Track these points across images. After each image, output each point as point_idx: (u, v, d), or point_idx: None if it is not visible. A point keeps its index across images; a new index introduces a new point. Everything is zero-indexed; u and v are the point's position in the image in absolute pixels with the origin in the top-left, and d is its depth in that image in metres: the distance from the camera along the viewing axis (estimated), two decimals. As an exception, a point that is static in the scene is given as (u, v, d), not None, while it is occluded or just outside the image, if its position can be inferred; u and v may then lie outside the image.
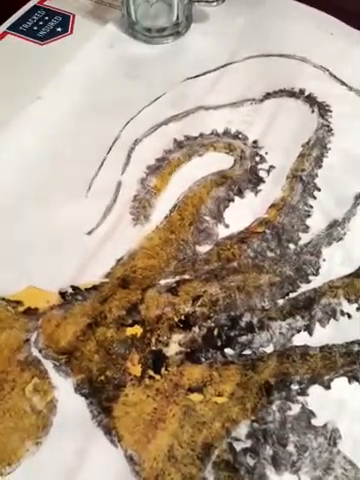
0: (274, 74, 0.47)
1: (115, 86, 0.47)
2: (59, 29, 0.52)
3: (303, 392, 0.31)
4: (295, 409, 0.30)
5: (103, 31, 0.51)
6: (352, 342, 0.32)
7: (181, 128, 0.44)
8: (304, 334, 0.33)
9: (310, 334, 0.33)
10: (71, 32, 0.52)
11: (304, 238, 0.37)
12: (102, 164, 0.41)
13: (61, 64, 0.47)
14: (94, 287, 0.35)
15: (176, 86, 0.47)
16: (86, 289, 0.35)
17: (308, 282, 0.35)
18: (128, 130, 0.43)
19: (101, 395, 0.31)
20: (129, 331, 0.33)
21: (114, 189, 0.40)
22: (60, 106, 0.44)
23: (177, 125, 0.44)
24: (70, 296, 0.34)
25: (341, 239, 0.37)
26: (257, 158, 0.42)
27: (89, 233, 0.38)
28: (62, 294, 0.34)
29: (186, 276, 0.36)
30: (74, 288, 0.35)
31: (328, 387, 0.31)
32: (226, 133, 0.43)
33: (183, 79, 0.47)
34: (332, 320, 0.33)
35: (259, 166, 0.42)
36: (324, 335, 0.33)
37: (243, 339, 0.33)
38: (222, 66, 0.48)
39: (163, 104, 0.45)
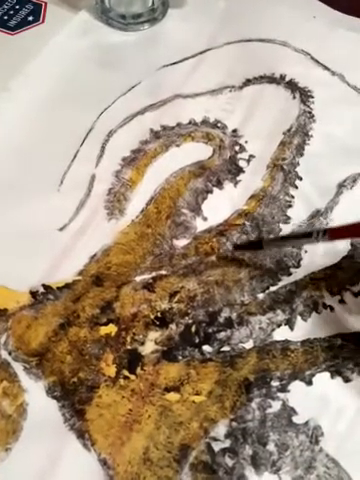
0: (254, 60, 0.47)
1: (88, 76, 0.46)
2: (30, 18, 0.51)
3: (284, 388, 0.31)
4: (275, 406, 0.30)
5: (76, 19, 0.50)
6: (335, 336, 0.32)
7: (157, 118, 0.43)
8: (285, 328, 0.33)
9: (291, 328, 0.33)
10: (43, 21, 0.51)
11: (285, 229, 0.37)
12: (75, 157, 0.41)
13: (32, 54, 0.47)
14: (66, 285, 0.35)
15: (152, 74, 0.46)
16: (58, 288, 0.34)
17: (289, 275, 0.35)
18: (102, 121, 0.43)
19: (74, 397, 0.30)
20: (103, 330, 0.33)
21: (87, 183, 0.40)
22: (30, 97, 0.44)
23: (153, 115, 0.44)
24: (41, 295, 0.34)
25: (324, 230, 0.37)
26: (237, 147, 0.42)
27: (61, 229, 0.37)
28: (33, 293, 0.34)
29: (163, 272, 0.36)
30: (45, 287, 0.34)
31: (310, 383, 0.31)
32: (204, 122, 0.43)
33: (159, 67, 0.47)
34: (314, 313, 0.33)
35: (239, 156, 0.41)
36: (305, 329, 0.33)
37: (222, 335, 0.33)
38: (200, 53, 0.48)
39: (139, 93, 0.45)
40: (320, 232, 0.31)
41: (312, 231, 0.33)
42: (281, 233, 0.37)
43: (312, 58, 0.46)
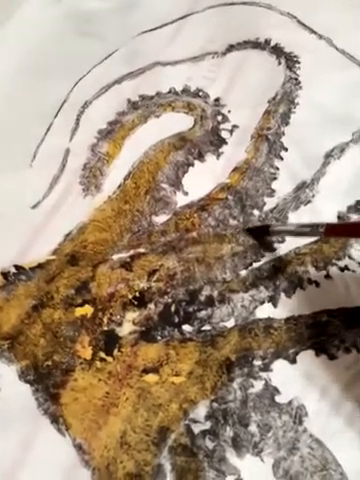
0: (237, 24, 0.45)
1: (63, 44, 0.45)
2: (0, -17, 0.49)
3: (266, 368, 0.30)
4: (258, 386, 0.30)
5: (49, -17, 0.48)
6: (320, 312, 0.32)
7: (136, 87, 0.42)
8: (268, 306, 0.32)
9: (274, 305, 0.32)
10: (14, -14, 0.49)
11: (269, 203, 0.36)
12: (48, 130, 0.40)
13: (2, 23, 0.45)
14: (40, 265, 0.34)
15: (130, 41, 0.45)
16: (31, 268, 0.34)
17: (273, 250, 0.34)
18: (77, 91, 0.42)
19: (48, 381, 0.30)
20: (78, 311, 0.32)
21: (62, 157, 0.39)
22: (1, 68, 0.42)
23: (131, 84, 0.42)
24: (13, 276, 0.33)
25: (309, 202, 0.36)
26: (219, 117, 0.41)
27: (34, 207, 0.36)
28: (4, 274, 0.33)
29: (141, 249, 0.35)
30: (17, 267, 0.34)
31: (293, 361, 0.30)
32: (185, 91, 0.42)
33: (138, 33, 0.45)
34: (298, 289, 0.33)
35: (221, 126, 0.40)
36: (290, 306, 0.32)
37: (202, 314, 0.32)
38: (181, 18, 0.46)
39: (116, 61, 0.44)
40: (319, 226, 0.30)
41: (312, 225, 0.31)
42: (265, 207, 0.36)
43: (298, 21, 0.45)
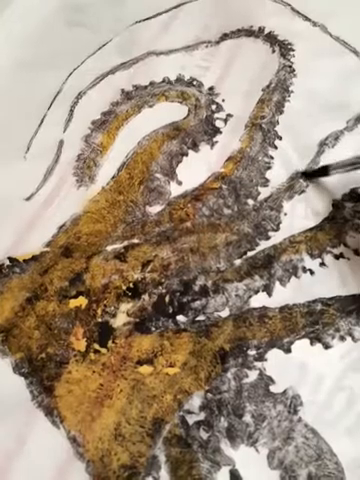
0: (231, 12, 0.44)
1: (56, 35, 0.43)
2: (-7, -26, 0.47)
3: (261, 357, 0.29)
4: (252, 376, 0.29)
5: (41, -26, 0.47)
6: (314, 300, 0.31)
7: (129, 77, 0.41)
8: (263, 295, 0.31)
9: (269, 294, 0.31)
10: (7, -23, 0.47)
11: (264, 192, 0.35)
12: (42, 121, 0.39)
13: (-5, 14, 0.44)
14: (34, 257, 0.33)
15: (124, 31, 0.43)
16: (25, 260, 0.33)
17: (267, 239, 0.33)
18: (70, 82, 0.41)
19: (42, 374, 0.29)
20: (73, 303, 0.31)
21: (55, 148, 0.37)
22: (-7, 60, 0.41)
23: (125, 74, 0.41)
24: (7, 269, 0.32)
25: (303, 191, 0.35)
26: (213, 106, 0.39)
27: (28, 199, 0.35)
28: (-2, 267, 0.32)
29: (135, 240, 0.34)
30: (11, 260, 0.33)
31: (288, 350, 0.29)
32: (179, 80, 0.41)
33: (131, 23, 0.44)
34: (293, 278, 0.32)
35: (215, 115, 0.39)
36: (284, 295, 0.31)
37: (197, 304, 0.31)
38: (174, 7, 0.45)
39: (109, 51, 0.42)
40: None
41: None
42: (259, 196, 0.35)
43: (292, 9, 0.43)
